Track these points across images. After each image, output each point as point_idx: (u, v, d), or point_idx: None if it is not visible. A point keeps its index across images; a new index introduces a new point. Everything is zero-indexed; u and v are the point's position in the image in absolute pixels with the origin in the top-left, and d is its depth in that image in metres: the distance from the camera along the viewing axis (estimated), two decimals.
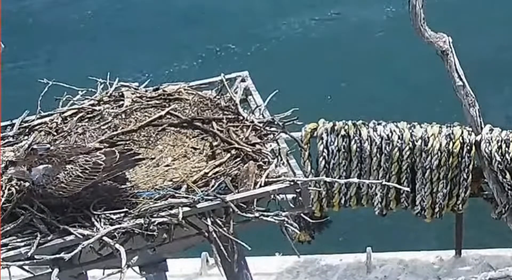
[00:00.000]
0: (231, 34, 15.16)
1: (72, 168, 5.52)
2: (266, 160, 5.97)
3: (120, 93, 6.67)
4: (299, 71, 14.17)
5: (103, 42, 15.29)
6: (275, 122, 6.31)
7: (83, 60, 14.43)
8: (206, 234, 5.65)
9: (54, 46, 15.24)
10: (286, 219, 5.75)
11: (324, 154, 7.73)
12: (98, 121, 6.44)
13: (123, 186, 5.73)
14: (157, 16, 15.89)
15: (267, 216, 5.73)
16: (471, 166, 7.71)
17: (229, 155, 6.02)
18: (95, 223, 5.48)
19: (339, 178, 7.62)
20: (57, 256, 5.41)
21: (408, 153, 7.69)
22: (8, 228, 5.48)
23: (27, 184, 5.56)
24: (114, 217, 5.52)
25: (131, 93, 6.66)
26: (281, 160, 6.03)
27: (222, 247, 5.69)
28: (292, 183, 5.80)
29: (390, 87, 13.62)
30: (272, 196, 5.78)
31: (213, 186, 5.73)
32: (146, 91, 6.74)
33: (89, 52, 14.90)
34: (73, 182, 5.50)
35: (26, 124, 6.44)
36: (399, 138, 7.66)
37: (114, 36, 15.37)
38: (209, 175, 5.84)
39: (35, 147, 5.66)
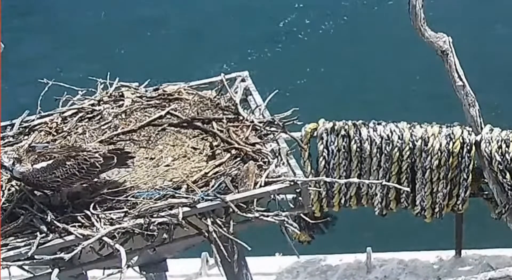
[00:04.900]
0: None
1: (70, 165, 5.54)
2: (266, 160, 5.96)
3: (120, 93, 6.67)
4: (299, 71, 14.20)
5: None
6: (275, 122, 6.30)
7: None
8: (206, 234, 5.64)
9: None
10: (286, 219, 5.74)
11: (324, 154, 7.73)
12: (98, 121, 6.44)
13: (123, 186, 5.74)
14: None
15: (267, 216, 5.73)
16: (471, 166, 7.70)
17: (229, 155, 6.01)
18: (95, 223, 5.48)
19: (339, 178, 7.62)
20: (57, 256, 5.41)
21: (408, 153, 7.68)
22: (8, 228, 5.48)
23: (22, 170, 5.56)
24: (114, 217, 5.52)
25: (131, 93, 6.66)
26: (281, 160, 6.02)
27: (222, 247, 5.68)
28: (292, 183, 5.79)
29: (393, 88, 13.62)
30: (272, 196, 5.77)
31: (213, 186, 5.73)
32: (146, 91, 6.74)
33: None
34: (68, 179, 5.52)
35: (26, 124, 6.44)
36: (399, 138, 7.65)
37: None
38: (209, 175, 5.83)
39: (33, 144, 5.70)
